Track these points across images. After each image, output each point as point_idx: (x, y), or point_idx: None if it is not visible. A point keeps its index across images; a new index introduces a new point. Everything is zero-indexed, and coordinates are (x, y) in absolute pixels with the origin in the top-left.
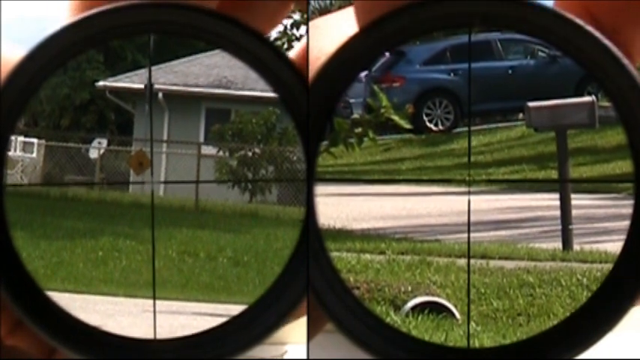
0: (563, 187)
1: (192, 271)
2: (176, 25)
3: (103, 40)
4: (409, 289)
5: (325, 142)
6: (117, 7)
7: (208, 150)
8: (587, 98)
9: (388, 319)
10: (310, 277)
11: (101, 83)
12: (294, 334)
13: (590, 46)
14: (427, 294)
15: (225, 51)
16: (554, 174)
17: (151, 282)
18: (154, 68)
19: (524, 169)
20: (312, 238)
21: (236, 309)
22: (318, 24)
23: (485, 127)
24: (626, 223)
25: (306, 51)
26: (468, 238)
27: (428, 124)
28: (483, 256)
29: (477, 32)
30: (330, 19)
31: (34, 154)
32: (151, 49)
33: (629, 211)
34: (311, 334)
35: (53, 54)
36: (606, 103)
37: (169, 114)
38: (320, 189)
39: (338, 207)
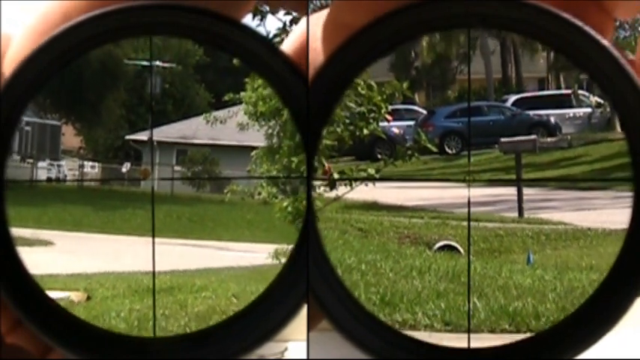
0: (519, 184)
1: (170, 225)
2: (176, 26)
3: (104, 42)
4: (436, 237)
5: (391, 159)
6: (118, 8)
7: (177, 168)
8: (532, 136)
9: (424, 255)
10: (310, 279)
11: (127, 137)
12: (294, 332)
13: (590, 48)
14: (446, 240)
15: (225, 51)
16: (514, 176)
17: (150, 229)
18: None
19: (498, 174)
20: (312, 239)
21: (193, 242)
22: (317, 17)
23: (477, 152)
24: (553, 204)
25: (301, 44)
26: (469, 211)
27: (447, 149)
28: (476, 220)
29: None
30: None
31: (97, 170)
32: (152, 49)
33: (555, 197)
34: (310, 327)
35: (55, 55)
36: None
37: (160, 152)
38: (389, 184)
39: (398, 194)
